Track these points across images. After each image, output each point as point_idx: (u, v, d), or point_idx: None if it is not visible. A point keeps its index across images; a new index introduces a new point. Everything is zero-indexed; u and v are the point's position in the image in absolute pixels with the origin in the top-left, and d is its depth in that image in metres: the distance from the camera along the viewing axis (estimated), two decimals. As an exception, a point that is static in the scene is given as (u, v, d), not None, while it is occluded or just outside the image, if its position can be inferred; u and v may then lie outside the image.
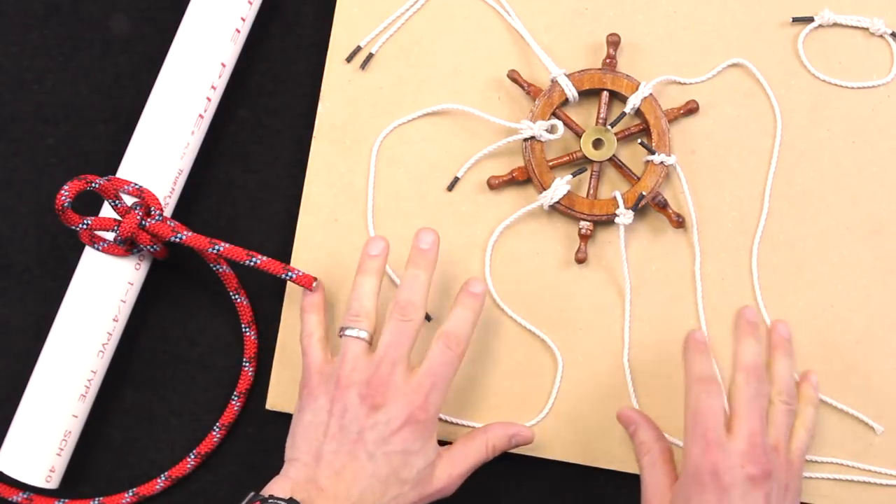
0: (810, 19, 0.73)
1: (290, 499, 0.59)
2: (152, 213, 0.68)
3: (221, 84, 0.72)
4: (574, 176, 0.71)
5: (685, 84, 0.73)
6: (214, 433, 0.72)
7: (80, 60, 0.76)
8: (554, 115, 0.72)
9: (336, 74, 0.74)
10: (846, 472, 0.70)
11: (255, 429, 0.73)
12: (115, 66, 0.76)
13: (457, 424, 0.71)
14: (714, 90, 0.73)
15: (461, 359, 0.65)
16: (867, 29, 0.73)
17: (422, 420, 0.62)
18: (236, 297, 0.72)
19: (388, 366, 0.63)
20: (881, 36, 0.73)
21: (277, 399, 0.72)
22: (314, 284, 0.68)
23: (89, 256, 0.69)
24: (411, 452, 0.62)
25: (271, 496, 0.59)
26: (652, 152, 0.71)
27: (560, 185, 0.70)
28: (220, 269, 0.71)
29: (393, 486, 0.61)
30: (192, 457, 0.72)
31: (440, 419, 0.71)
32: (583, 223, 0.71)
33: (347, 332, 0.64)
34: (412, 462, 0.62)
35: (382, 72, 0.74)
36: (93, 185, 0.65)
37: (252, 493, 0.60)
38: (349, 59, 0.74)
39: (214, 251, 0.68)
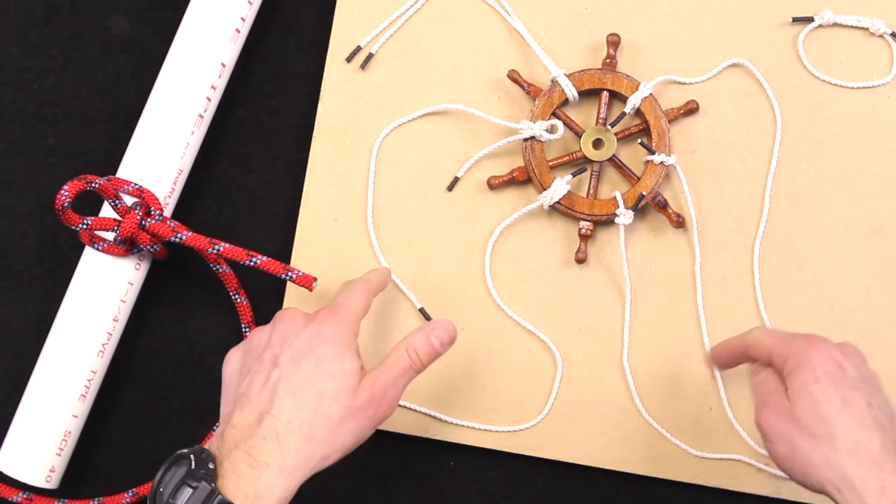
0: (810, 19, 0.73)
1: (194, 447, 0.57)
2: (152, 213, 0.68)
3: (221, 84, 0.72)
4: (574, 176, 0.71)
5: (685, 84, 0.73)
6: (214, 433, 0.72)
7: (80, 60, 0.76)
8: (554, 115, 0.72)
9: (336, 74, 0.74)
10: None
11: (255, 429, 0.73)
12: (115, 66, 0.76)
13: (456, 424, 0.71)
14: (714, 90, 0.73)
15: (369, 292, 0.64)
16: (867, 29, 0.73)
17: (328, 323, 0.60)
18: (236, 297, 0.72)
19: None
20: (881, 36, 0.73)
21: (277, 399, 0.72)
22: (314, 284, 0.68)
23: (89, 256, 0.69)
24: (323, 358, 0.59)
25: (178, 452, 0.57)
26: (652, 152, 0.71)
27: (560, 185, 0.70)
28: (220, 269, 0.71)
29: (309, 397, 0.58)
30: (192, 457, 0.72)
31: (439, 419, 0.71)
32: (583, 223, 0.71)
33: None
34: (326, 368, 0.58)
35: (382, 72, 0.74)
36: (93, 185, 0.65)
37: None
38: (349, 59, 0.74)
39: (214, 251, 0.68)
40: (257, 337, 0.62)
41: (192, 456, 0.56)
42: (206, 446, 0.58)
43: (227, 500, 0.54)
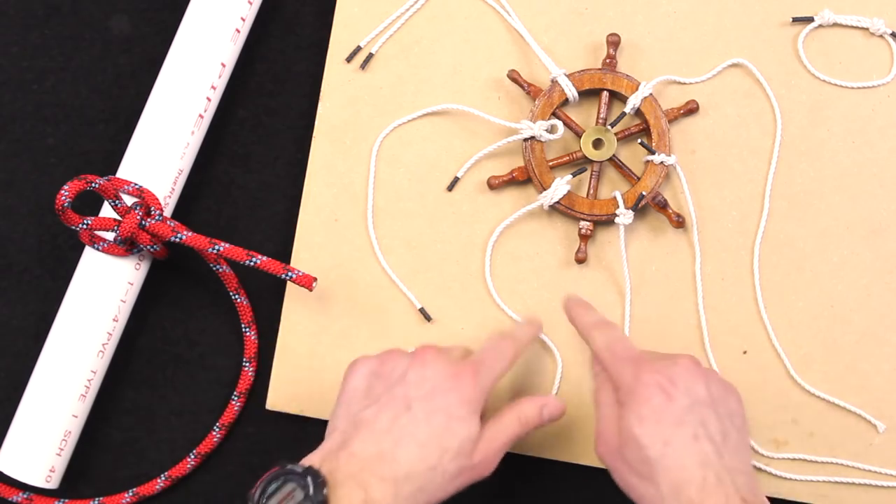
0: (810, 19, 0.73)
1: (308, 468, 0.56)
2: (152, 213, 0.68)
3: (221, 84, 0.72)
4: (574, 176, 0.71)
5: (685, 84, 0.73)
6: (214, 433, 0.72)
7: (80, 60, 0.76)
8: (554, 115, 0.72)
9: (336, 74, 0.74)
10: (846, 473, 0.70)
11: (255, 429, 0.73)
12: (115, 66, 0.76)
13: (457, 424, 0.71)
14: (714, 90, 0.73)
15: (516, 353, 0.64)
16: (867, 29, 0.73)
17: (468, 383, 0.61)
18: (236, 297, 0.72)
19: (444, 348, 0.63)
20: (881, 36, 0.73)
21: (277, 399, 0.72)
22: (314, 284, 0.68)
23: (89, 256, 0.69)
24: (454, 417, 0.59)
25: (289, 467, 0.57)
26: (652, 152, 0.71)
27: (560, 185, 0.70)
28: (220, 269, 0.71)
29: (433, 451, 0.59)
30: (192, 457, 0.72)
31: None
32: (583, 223, 0.71)
33: None
34: (454, 428, 0.59)
35: (382, 72, 0.74)
36: (93, 185, 0.65)
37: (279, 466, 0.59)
38: (349, 59, 0.74)
39: (214, 251, 0.68)
40: (393, 363, 0.62)
41: (308, 479, 0.56)
42: (318, 462, 0.58)
43: None
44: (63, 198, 0.65)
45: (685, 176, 0.71)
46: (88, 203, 0.70)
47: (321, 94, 0.74)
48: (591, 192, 0.72)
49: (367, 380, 0.62)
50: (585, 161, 0.72)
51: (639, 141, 0.71)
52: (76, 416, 0.69)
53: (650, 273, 0.72)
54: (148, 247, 0.68)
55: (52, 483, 0.69)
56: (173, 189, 0.70)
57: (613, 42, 0.72)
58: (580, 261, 0.71)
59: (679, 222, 0.71)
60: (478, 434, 0.61)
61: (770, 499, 0.70)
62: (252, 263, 0.68)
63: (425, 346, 0.63)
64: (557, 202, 0.71)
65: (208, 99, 0.71)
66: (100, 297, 0.69)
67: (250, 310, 0.72)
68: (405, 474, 0.58)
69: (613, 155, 0.72)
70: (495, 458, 0.62)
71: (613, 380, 0.62)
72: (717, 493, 0.57)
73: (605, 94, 0.72)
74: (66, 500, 0.71)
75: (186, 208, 0.73)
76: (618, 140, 0.72)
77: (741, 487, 0.57)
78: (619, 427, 0.60)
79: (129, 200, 0.68)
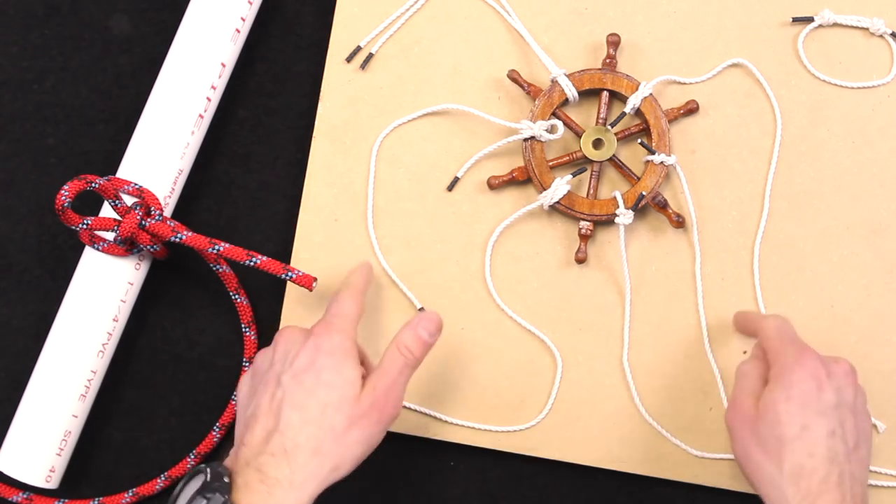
0: (810, 19, 0.73)
1: (213, 463, 0.58)
2: (152, 213, 0.68)
3: (221, 84, 0.72)
4: (574, 176, 0.71)
5: (685, 84, 0.73)
6: (214, 433, 0.72)
7: (80, 60, 0.76)
8: (554, 115, 0.72)
9: (336, 74, 0.74)
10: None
11: (255, 429, 0.73)
12: (115, 66, 0.76)
13: (456, 424, 0.71)
14: (714, 90, 0.73)
15: (359, 297, 0.65)
16: (867, 29, 0.73)
17: (324, 337, 0.61)
18: (236, 297, 0.72)
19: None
20: (881, 36, 0.73)
21: (277, 399, 0.72)
22: (314, 284, 0.68)
23: (89, 256, 0.69)
24: (323, 370, 0.59)
25: (197, 467, 0.58)
26: (652, 152, 0.71)
27: (560, 185, 0.70)
28: (220, 269, 0.71)
29: (312, 409, 0.58)
30: (192, 457, 0.72)
31: (439, 419, 0.71)
32: (583, 223, 0.71)
33: None
34: (326, 380, 0.59)
35: (382, 72, 0.74)
36: (93, 185, 0.65)
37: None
38: (349, 59, 0.74)
39: (214, 251, 0.68)
40: (261, 359, 0.63)
41: (207, 470, 0.57)
42: (224, 463, 0.59)
43: None
44: (63, 198, 0.65)
45: (685, 176, 0.71)
46: (88, 203, 0.70)
47: (321, 94, 0.74)
48: (591, 192, 0.72)
49: (249, 385, 0.63)
50: (585, 161, 0.72)
51: (639, 141, 0.71)
52: (76, 416, 0.69)
53: (650, 273, 0.72)
54: (148, 247, 0.68)
55: (52, 483, 0.69)
56: (173, 189, 0.70)
57: (613, 42, 0.72)
58: (580, 261, 0.71)
59: (679, 222, 0.71)
60: (356, 378, 0.60)
61: (770, 499, 0.70)
62: (252, 263, 0.68)
63: (282, 328, 0.64)
64: (557, 202, 0.71)
65: (208, 99, 0.71)
66: (100, 297, 0.69)
67: (250, 310, 0.72)
68: (293, 443, 0.58)
69: (613, 155, 0.72)
70: (389, 397, 0.61)
71: (771, 357, 0.63)
72: (835, 492, 0.58)
73: (605, 94, 0.72)
74: (66, 500, 0.71)
75: (186, 208, 0.73)
76: (618, 140, 0.72)
77: (856, 496, 0.58)
78: (763, 400, 0.61)
79: (129, 200, 0.68)
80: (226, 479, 0.57)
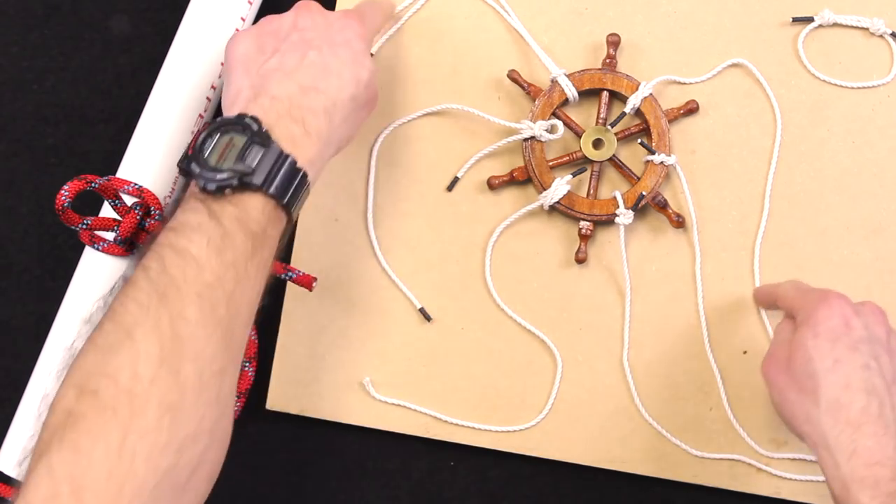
0: (810, 19, 0.73)
1: (239, 115, 0.55)
2: (152, 213, 0.68)
3: (221, 84, 0.72)
4: (574, 176, 0.71)
5: (685, 84, 0.73)
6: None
7: (80, 60, 0.76)
8: (554, 115, 0.72)
9: (336, 74, 0.74)
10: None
11: (255, 429, 0.73)
12: (115, 66, 0.76)
13: (456, 424, 0.71)
14: (714, 90, 0.73)
15: (389, 12, 0.70)
16: (867, 29, 0.73)
17: (357, 23, 0.62)
18: (236, 297, 0.72)
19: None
20: (881, 36, 0.73)
21: (277, 399, 0.72)
22: (314, 284, 0.68)
23: (89, 256, 0.69)
24: (358, 51, 0.61)
25: (217, 119, 0.56)
26: (652, 152, 0.71)
27: (560, 185, 0.70)
28: (220, 269, 0.71)
29: (350, 81, 0.60)
30: (192, 457, 0.72)
31: (439, 419, 0.71)
32: (583, 223, 0.71)
33: None
34: (361, 60, 0.61)
35: (382, 72, 0.74)
36: (93, 185, 0.65)
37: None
38: (349, 59, 0.74)
39: (214, 251, 0.68)
40: (276, 23, 0.62)
41: (247, 120, 0.55)
42: (244, 111, 0.56)
43: (297, 166, 0.55)
44: (63, 198, 0.65)
45: (685, 176, 0.71)
46: (88, 203, 0.70)
47: (321, 94, 0.74)
48: (591, 192, 0.72)
49: (255, 42, 0.61)
50: (585, 161, 0.72)
51: (639, 141, 0.71)
52: (76, 416, 0.69)
53: (650, 273, 0.72)
54: (148, 247, 0.68)
55: (52, 483, 0.69)
56: (173, 189, 0.70)
57: (613, 42, 0.72)
58: (580, 261, 0.71)
59: (679, 222, 0.71)
60: (375, 68, 0.63)
61: (770, 499, 0.71)
62: (252, 263, 0.68)
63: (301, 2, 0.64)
64: (557, 202, 0.71)
65: (208, 99, 0.71)
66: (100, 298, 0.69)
67: (250, 310, 0.72)
68: (332, 103, 0.58)
69: (613, 155, 0.72)
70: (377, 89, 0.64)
71: (796, 307, 0.62)
72: (876, 423, 0.56)
73: (605, 94, 0.72)
74: (66, 500, 0.71)
75: (186, 208, 0.73)
76: (618, 140, 0.72)
77: None
78: (793, 342, 0.60)
79: (129, 200, 0.68)
80: (265, 130, 0.54)
